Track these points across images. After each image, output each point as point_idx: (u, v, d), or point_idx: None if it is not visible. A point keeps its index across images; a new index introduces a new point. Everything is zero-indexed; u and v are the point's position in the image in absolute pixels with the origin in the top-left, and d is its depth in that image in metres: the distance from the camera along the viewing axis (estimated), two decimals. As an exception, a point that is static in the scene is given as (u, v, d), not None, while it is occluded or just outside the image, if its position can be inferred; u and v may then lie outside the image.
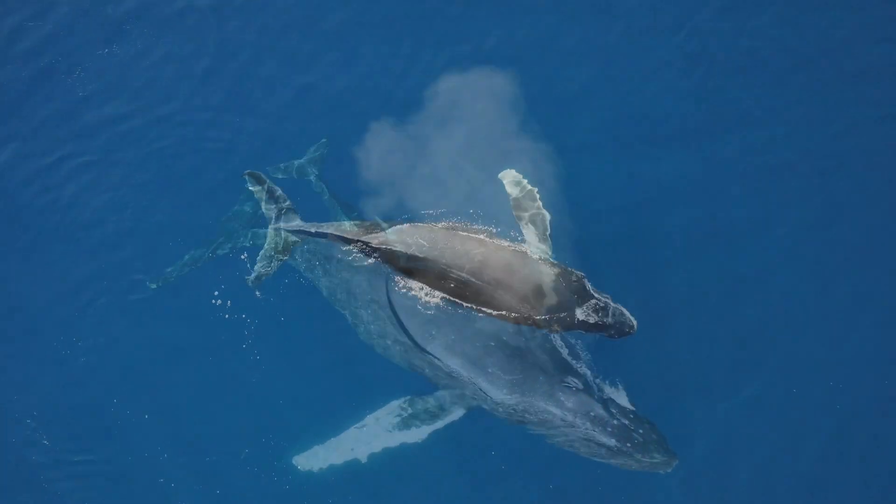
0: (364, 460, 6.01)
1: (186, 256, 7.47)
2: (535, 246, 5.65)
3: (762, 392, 6.70)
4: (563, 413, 5.59)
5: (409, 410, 6.09)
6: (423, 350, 6.06)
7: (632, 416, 5.52)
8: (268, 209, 6.51)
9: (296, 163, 7.66)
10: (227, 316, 7.14)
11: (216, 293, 7.29)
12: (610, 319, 5.37)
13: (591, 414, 5.52)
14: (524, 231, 5.75)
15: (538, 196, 5.90)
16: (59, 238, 8.01)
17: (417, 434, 6.00)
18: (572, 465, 5.91)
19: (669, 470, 5.42)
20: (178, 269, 7.41)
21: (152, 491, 6.80)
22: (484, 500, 6.33)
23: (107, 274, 7.68)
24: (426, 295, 5.85)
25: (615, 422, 5.47)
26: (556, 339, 5.94)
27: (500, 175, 6.03)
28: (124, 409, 7.12)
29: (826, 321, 6.98)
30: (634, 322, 5.31)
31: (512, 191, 5.87)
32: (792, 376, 6.76)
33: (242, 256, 7.24)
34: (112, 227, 7.94)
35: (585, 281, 5.43)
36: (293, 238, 6.40)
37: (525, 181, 5.96)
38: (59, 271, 7.74)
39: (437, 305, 5.96)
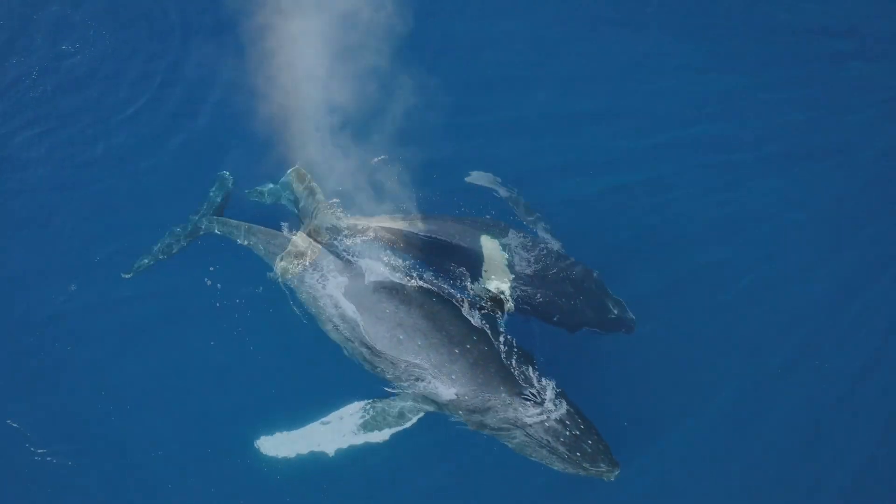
0: (331, 454, 6.30)
1: (156, 246, 7.83)
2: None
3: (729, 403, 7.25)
4: (519, 422, 6.04)
5: (372, 412, 6.40)
6: (389, 354, 6.43)
7: (583, 427, 5.96)
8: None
9: (268, 187, 8.18)
10: (217, 304, 7.43)
11: (195, 281, 7.58)
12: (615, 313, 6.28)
13: (546, 425, 5.96)
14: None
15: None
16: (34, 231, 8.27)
17: (380, 435, 6.32)
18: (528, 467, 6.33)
19: (612, 478, 5.92)
20: (150, 258, 7.76)
21: (117, 462, 6.95)
22: (445, 498, 6.70)
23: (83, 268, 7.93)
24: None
25: (567, 432, 5.92)
26: (517, 350, 6.42)
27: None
28: (95, 395, 7.27)
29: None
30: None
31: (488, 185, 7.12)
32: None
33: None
34: (89, 223, 8.25)
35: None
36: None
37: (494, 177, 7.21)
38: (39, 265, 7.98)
39: (405, 310, 6.41)
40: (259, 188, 8.17)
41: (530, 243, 7.30)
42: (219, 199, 8.12)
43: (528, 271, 7.10)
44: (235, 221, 7.67)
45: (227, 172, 8.32)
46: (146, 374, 7.28)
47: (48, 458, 6.86)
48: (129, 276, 7.70)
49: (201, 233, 7.89)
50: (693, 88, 9.61)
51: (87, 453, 6.92)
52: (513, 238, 7.30)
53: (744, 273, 8.03)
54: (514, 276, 7.11)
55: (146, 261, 7.75)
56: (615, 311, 7.08)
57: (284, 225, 7.60)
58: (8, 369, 7.37)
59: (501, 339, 6.46)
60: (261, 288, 7.40)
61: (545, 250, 7.28)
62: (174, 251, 7.83)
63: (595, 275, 7.29)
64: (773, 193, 8.73)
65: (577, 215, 8.32)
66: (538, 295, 6.99)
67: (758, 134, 9.22)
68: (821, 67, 9.81)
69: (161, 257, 7.78)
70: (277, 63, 8.39)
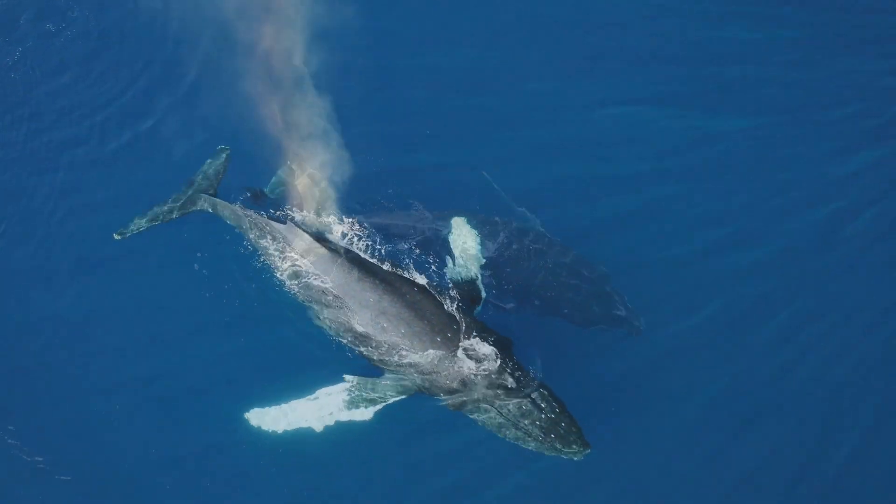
0: (318, 429, 6.63)
1: (150, 211, 8.03)
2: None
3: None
4: (497, 406, 6.42)
5: (358, 392, 6.74)
6: (373, 341, 6.78)
7: (557, 410, 6.36)
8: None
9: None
10: (207, 294, 7.75)
11: (193, 255, 7.90)
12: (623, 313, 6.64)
13: (523, 408, 6.37)
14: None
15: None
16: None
17: (364, 413, 6.65)
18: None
19: (581, 458, 6.31)
20: (141, 223, 8.00)
21: (106, 429, 7.28)
22: (426, 475, 7.07)
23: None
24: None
25: (542, 415, 6.34)
26: (494, 339, 6.80)
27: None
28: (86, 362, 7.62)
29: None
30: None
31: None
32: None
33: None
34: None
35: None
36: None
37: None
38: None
39: (388, 299, 6.78)
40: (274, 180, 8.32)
41: (529, 234, 7.66)
42: (211, 171, 8.24)
43: (530, 263, 7.43)
44: (230, 204, 7.85)
45: (226, 147, 8.46)
46: (135, 354, 7.64)
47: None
48: (119, 237, 7.93)
49: (196, 208, 8.04)
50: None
51: (74, 425, 7.25)
52: (506, 227, 7.67)
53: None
54: (486, 261, 7.52)
55: (139, 222, 7.95)
56: (622, 311, 7.45)
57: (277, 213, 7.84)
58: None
59: (478, 326, 6.82)
60: (249, 273, 7.66)
61: (544, 241, 7.64)
62: (166, 219, 8.00)
63: (601, 269, 7.66)
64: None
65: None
66: (542, 287, 7.32)
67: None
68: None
69: (154, 223, 7.97)
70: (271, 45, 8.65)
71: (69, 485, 6.94)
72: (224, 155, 8.38)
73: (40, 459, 7.03)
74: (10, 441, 7.10)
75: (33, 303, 8.01)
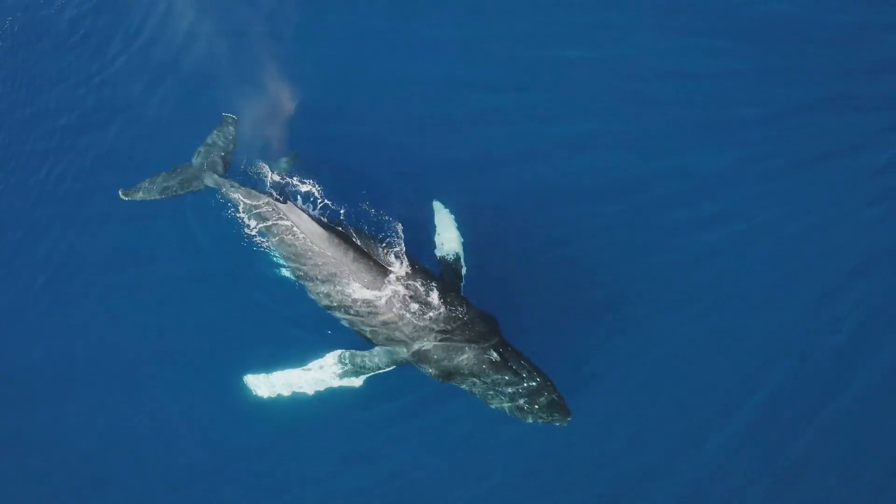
0: (310, 394, 6.97)
1: (158, 177, 8.32)
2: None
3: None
4: (484, 380, 6.69)
5: (349, 361, 7.04)
6: (365, 316, 7.09)
7: (540, 381, 6.61)
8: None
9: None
10: (204, 267, 8.19)
11: (182, 242, 8.29)
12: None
13: (507, 378, 6.66)
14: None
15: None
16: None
17: (356, 381, 6.98)
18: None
19: (564, 424, 6.62)
20: (150, 191, 8.26)
21: (110, 391, 7.62)
22: (408, 438, 7.41)
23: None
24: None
25: (525, 384, 6.62)
26: (481, 312, 7.08)
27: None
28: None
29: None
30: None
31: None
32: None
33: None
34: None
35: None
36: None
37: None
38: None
39: (382, 279, 7.07)
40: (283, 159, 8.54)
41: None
42: (220, 143, 8.44)
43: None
44: (235, 184, 8.08)
45: (233, 115, 8.73)
46: (139, 326, 7.97)
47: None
48: (125, 197, 8.20)
49: (201, 187, 8.28)
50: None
51: (77, 390, 7.57)
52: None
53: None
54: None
55: (146, 188, 8.21)
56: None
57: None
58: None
59: (465, 303, 7.10)
60: (245, 247, 7.92)
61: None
62: (172, 194, 8.25)
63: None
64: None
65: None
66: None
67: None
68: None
69: (157, 196, 8.22)
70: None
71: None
72: (231, 125, 8.58)
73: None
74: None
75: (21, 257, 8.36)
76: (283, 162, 8.43)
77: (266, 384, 7.05)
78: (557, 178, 8.99)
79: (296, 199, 7.79)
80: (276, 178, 8.03)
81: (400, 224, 7.53)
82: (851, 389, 7.61)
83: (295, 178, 8.00)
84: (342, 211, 7.78)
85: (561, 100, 9.63)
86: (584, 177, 9.00)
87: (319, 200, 7.83)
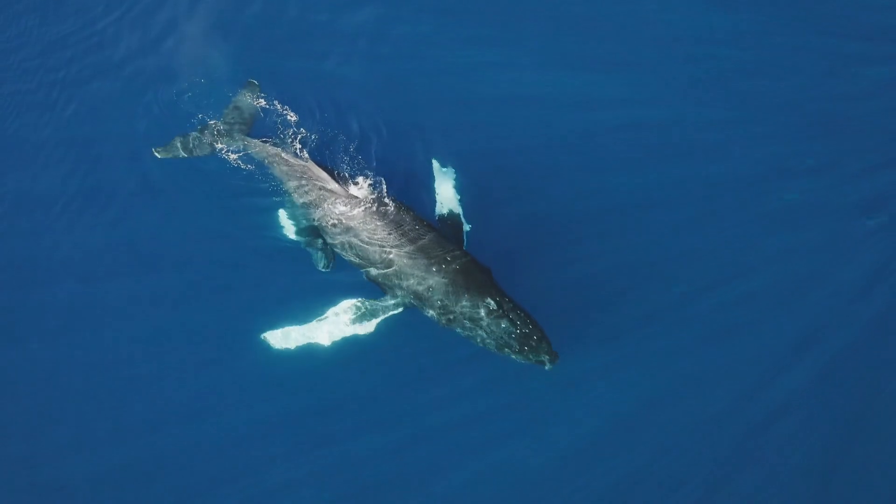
0: (326, 343, 7.69)
1: (188, 136, 8.97)
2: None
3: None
4: (481, 325, 7.46)
5: (362, 308, 7.81)
6: (380, 269, 7.83)
7: (531, 325, 7.41)
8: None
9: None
10: (226, 228, 8.75)
11: (198, 202, 8.89)
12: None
13: (503, 325, 7.47)
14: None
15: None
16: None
17: (367, 327, 7.73)
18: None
19: (551, 367, 7.37)
20: (178, 150, 8.92)
21: (131, 346, 8.21)
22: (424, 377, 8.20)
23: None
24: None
25: (518, 331, 7.38)
26: (479, 265, 7.83)
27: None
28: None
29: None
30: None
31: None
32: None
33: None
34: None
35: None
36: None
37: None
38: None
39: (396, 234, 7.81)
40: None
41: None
42: (243, 104, 9.07)
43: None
44: (259, 142, 8.72)
45: (255, 80, 9.33)
46: (157, 287, 8.56)
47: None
48: (159, 154, 8.92)
49: (229, 143, 8.85)
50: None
51: (94, 350, 8.21)
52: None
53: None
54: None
55: (176, 146, 8.87)
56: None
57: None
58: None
59: (465, 254, 7.84)
60: (262, 203, 8.65)
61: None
62: (201, 153, 8.90)
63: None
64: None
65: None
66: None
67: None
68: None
69: (191, 155, 8.88)
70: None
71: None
72: (254, 89, 9.20)
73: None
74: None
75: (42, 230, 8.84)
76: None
77: (284, 338, 7.77)
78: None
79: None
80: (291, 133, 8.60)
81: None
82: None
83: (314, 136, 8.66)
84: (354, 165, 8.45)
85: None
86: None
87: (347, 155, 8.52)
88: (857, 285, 8.54)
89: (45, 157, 9.27)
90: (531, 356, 7.40)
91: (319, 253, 8.25)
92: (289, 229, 8.51)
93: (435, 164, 8.88)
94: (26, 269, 8.63)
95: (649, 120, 9.71)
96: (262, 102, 9.08)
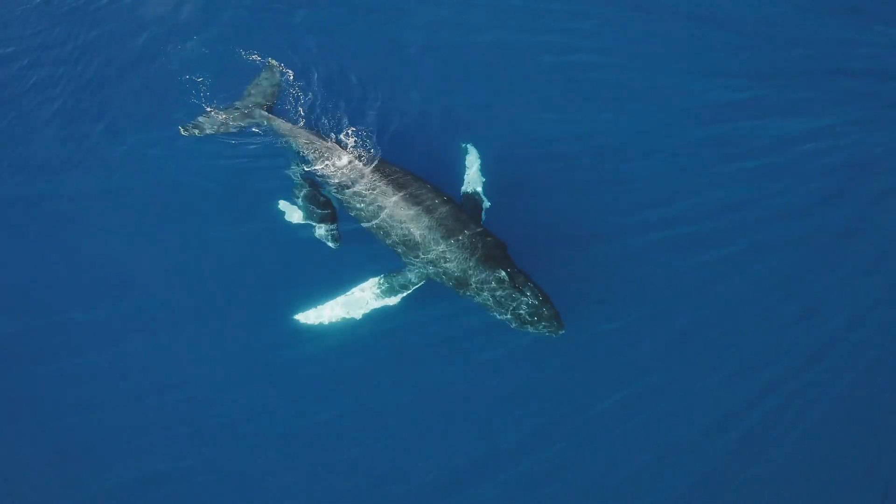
0: (358, 317, 8.17)
1: (211, 116, 9.42)
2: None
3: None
4: (494, 296, 8.03)
5: (385, 283, 8.38)
6: (403, 244, 8.40)
7: (540, 298, 7.95)
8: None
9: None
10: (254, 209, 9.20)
11: (224, 184, 9.32)
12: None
13: (514, 296, 7.97)
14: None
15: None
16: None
17: (393, 299, 8.31)
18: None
19: (557, 335, 7.95)
20: (204, 127, 9.30)
21: (158, 329, 8.65)
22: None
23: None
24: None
25: (530, 301, 7.94)
26: (494, 239, 8.34)
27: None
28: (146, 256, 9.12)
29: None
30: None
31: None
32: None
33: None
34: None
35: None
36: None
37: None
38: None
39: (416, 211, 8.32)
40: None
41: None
42: (265, 84, 9.53)
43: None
44: (283, 121, 9.14)
45: (273, 60, 9.84)
46: (191, 266, 9.02)
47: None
48: (184, 132, 9.30)
49: (253, 121, 9.32)
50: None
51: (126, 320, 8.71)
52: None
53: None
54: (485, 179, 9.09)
55: (201, 124, 9.24)
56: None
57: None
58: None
59: (483, 229, 8.39)
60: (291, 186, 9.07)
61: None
62: (226, 130, 9.23)
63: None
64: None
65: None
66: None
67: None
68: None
69: (216, 132, 9.25)
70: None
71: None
72: (275, 70, 9.65)
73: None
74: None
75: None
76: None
77: (316, 315, 8.21)
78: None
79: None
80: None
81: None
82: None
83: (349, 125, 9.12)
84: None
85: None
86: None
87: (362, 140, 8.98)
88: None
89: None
90: (540, 325, 8.01)
91: (327, 233, 8.72)
92: (294, 216, 8.87)
93: (469, 147, 9.41)
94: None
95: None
96: (290, 74, 9.55)
